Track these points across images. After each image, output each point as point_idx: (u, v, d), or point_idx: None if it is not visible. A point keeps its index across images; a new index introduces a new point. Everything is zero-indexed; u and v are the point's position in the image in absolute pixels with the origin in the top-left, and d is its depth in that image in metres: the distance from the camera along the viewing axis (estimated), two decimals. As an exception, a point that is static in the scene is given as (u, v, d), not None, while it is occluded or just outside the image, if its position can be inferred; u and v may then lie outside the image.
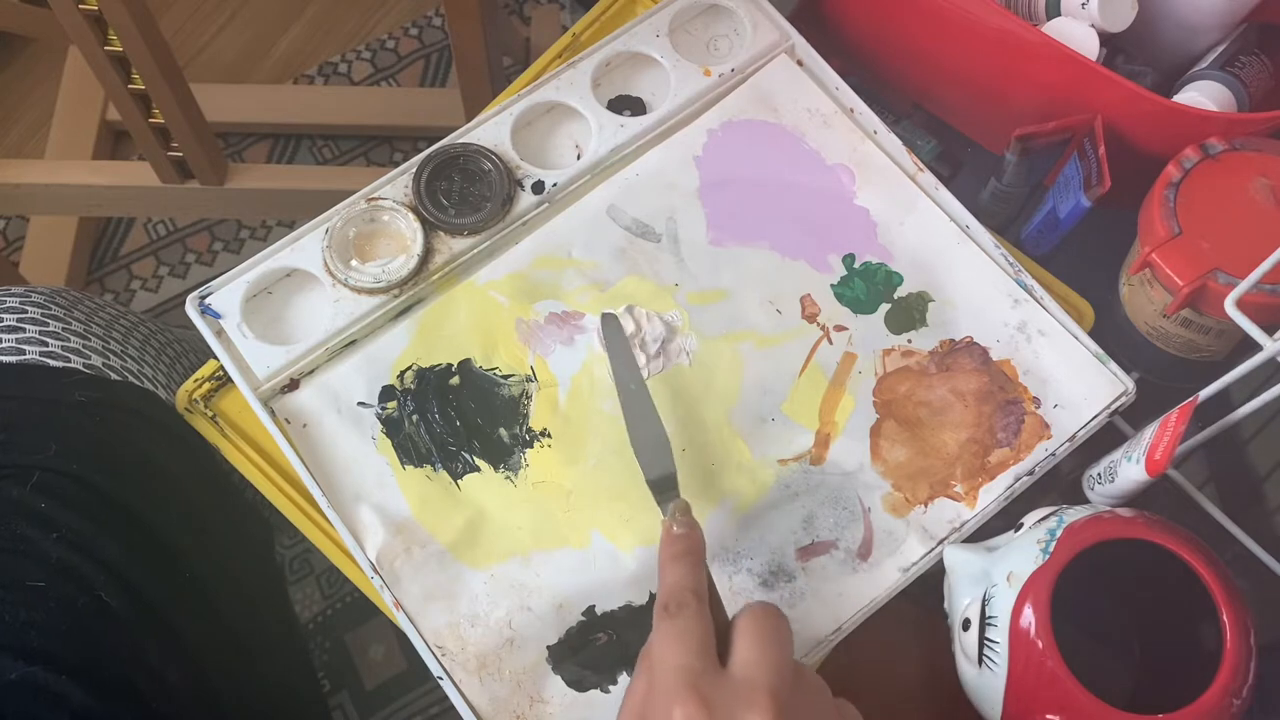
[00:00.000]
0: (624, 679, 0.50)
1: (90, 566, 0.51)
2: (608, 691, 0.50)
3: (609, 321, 0.54)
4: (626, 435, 0.52)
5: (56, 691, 0.48)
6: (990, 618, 0.47)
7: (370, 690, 1.01)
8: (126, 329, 0.63)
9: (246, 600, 0.61)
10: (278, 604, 0.67)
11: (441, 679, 0.50)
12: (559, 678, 0.50)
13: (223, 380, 0.56)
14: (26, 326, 0.57)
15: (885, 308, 0.57)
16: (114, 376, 0.58)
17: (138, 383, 0.59)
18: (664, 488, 0.49)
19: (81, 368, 0.57)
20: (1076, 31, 0.57)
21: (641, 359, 0.54)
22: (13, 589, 0.50)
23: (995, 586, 0.47)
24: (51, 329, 0.58)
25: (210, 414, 0.56)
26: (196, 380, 0.56)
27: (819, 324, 0.56)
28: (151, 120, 0.85)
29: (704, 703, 0.38)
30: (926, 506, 0.53)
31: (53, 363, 0.56)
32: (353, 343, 0.55)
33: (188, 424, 0.59)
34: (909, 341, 0.56)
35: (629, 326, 0.55)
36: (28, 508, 0.51)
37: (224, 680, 0.56)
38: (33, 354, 0.56)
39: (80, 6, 0.74)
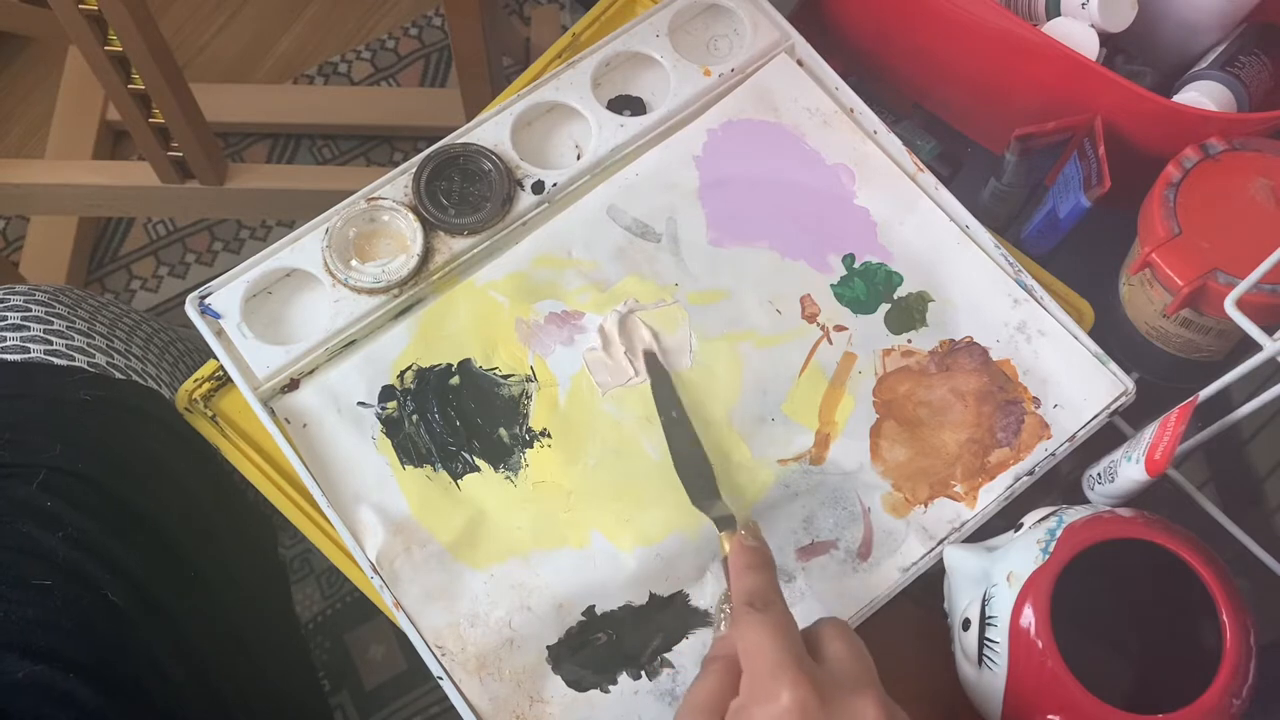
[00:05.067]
0: (624, 679, 0.50)
1: (96, 565, 0.51)
2: (607, 691, 0.50)
3: (650, 359, 0.55)
4: (626, 437, 0.53)
5: (64, 689, 0.48)
6: (990, 618, 0.47)
7: (370, 690, 1.01)
8: (129, 328, 0.63)
9: (250, 599, 0.61)
10: (280, 603, 0.68)
11: (441, 679, 0.50)
12: (559, 677, 0.50)
13: (223, 380, 0.56)
14: (31, 325, 0.57)
15: (885, 308, 0.57)
16: (118, 375, 0.58)
17: (141, 381, 0.59)
18: (714, 509, 0.50)
19: (86, 366, 0.57)
20: (1076, 31, 0.57)
21: (627, 367, 0.55)
22: (19, 588, 0.50)
23: (995, 586, 0.47)
24: (56, 327, 0.58)
25: (210, 414, 0.56)
26: (196, 380, 0.56)
27: (819, 324, 0.56)
28: (151, 120, 0.85)
29: (814, 684, 0.38)
30: (926, 506, 0.53)
31: (57, 361, 0.56)
32: (352, 343, 0.55)
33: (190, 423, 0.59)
34: (909, 341, 0.56)
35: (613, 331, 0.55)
36: (34, 506, 0.52)
37: (228, 678, 0.56)
38: (37, 352, 0.56)
39: (80, 6, 0.74)
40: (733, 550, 0.46)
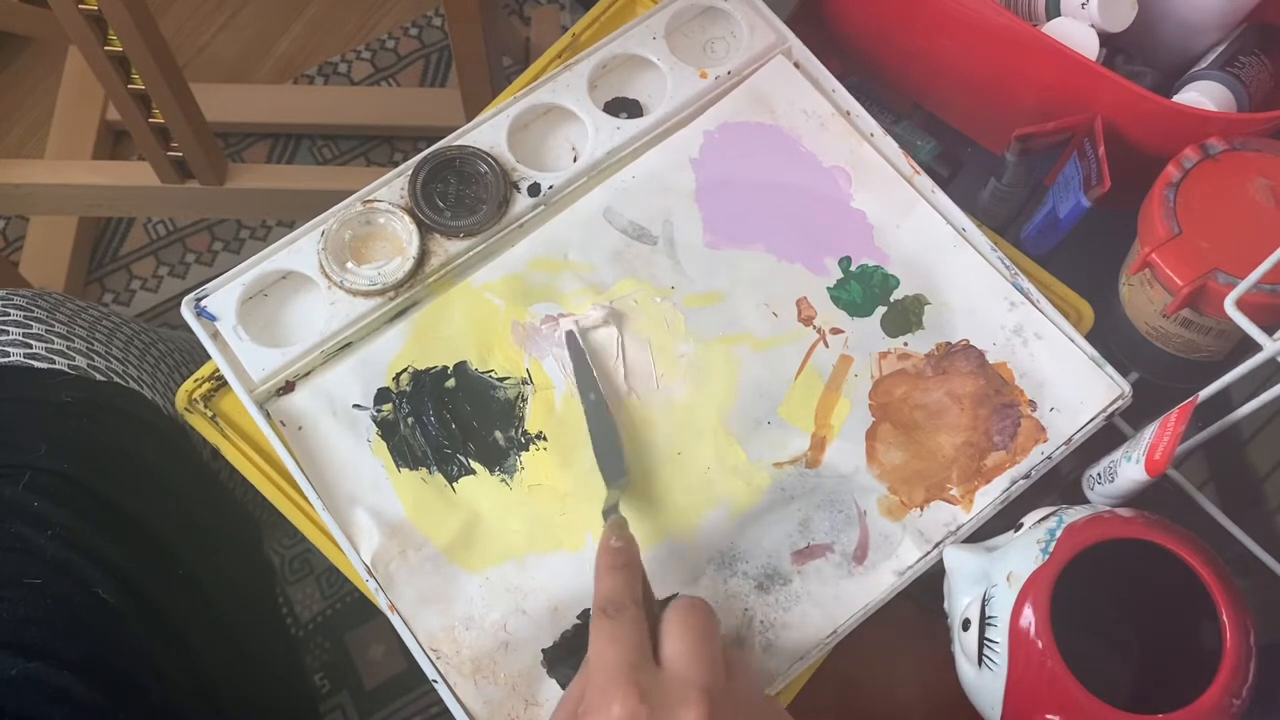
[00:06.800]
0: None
1: (86, 563, 0.52)
2: (603, 695, 0.50)
3: (569, 338, 0.55)
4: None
5: (57, 686, 0.48)
6: (990, 618, 0.47)
7: (370, 690, 1.01)
8: (110, 330, 0.63)
9: (238, 595, 0.62)
10: (268, 600, 0.68)
11: (436, 682, 0.50)
12: (554, 681, 0.50)
13: (223, 380, 0.56)
14: (10, 329, 0.57)
15: (882, 310, 0.56)
16: (99, 377, 0.58)
17: (123, 383, 0.59)
18: (608, 501, 0.50)
19: (66, 369, 0.57)
20: (1076, 31, 0.57)
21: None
22: (10, 586, 0.50)
23: (995, 586, 0.47)
24: (35, 331, 0.58)
25: (210, 414, 0.56)
26: (196, 380, 0.56)
27: (815, 327, 0.56)
28: (151, 120, 0.85)
29: (641, 696, 0.40)
30: (922, 510, 0.53)
31: (38, 364, 0.56)
32: (348, 345, 0.55)
33: (174, 423, 0.59)
34: (905, 344, 0.56)
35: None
36: (21, 506, 0.52)
37: (220, 674, 0.56)
38: (17, 356, 0.56)
39: (80, 6, 0.74)
40: (598, 549, 0.46)
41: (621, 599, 0.43)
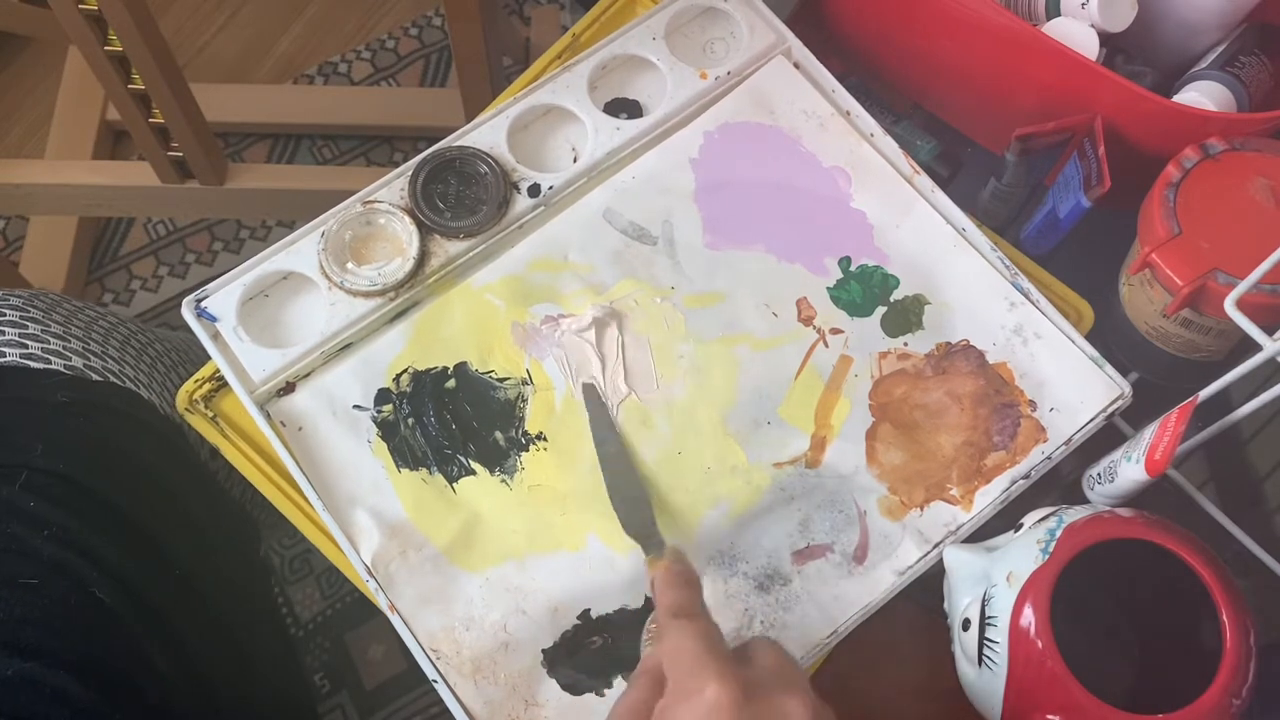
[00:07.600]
0: (619, 682, 0.50)
1: (82, 563, 0.52)
2: (602, 695, 0.50)
3: (588, 390, 0.54)
4: (621, 440, 0.53)
5: (54, 686, 0.48)
6: (990, 618, 0.47)
7: (370, 690, 1.01)
8: (106, 330, 0.63)
9: (235, 595, 0.62)
10: (265, 599, 0.68)
11: (436, 682, 0.50)
12: (554, 681, 0.50)
13: (223, 381, 0.56)
14: (5, 329, 0.57)
15: (882, 310, 0.56)
16: (95, 377, 0.58)
17: (119, 383, 0.59)
18: (648, 538, 0.50)
19: (62, 369, 0.57)
20: (1076, 31, 0.57)
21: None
22: (6, 586, 0.50)
23: (995, 586, 0.47)
24: (31, 331, 0.58)
25: (210, 414, 0.56)
26: (197, 381, 0.56)
27: (815, 327, 0.56)
28: (151, 120, 0.85)
29: (737, 679, 0.38)
30: (922, 510, 0.53)
31: (33, 364, 0.56)
32: (348, 346, 0.55)
33: (171, 422, 0.59)
34: (905, 344, 0.56)
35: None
36: (17, 506, 0.52)
37: (218, 674, 0.56)
38: (12, 356, 0.56)
39: (80, 6, 0.74)
40: (660, 572, 0.46)
41: (692, 608, 0.43)
